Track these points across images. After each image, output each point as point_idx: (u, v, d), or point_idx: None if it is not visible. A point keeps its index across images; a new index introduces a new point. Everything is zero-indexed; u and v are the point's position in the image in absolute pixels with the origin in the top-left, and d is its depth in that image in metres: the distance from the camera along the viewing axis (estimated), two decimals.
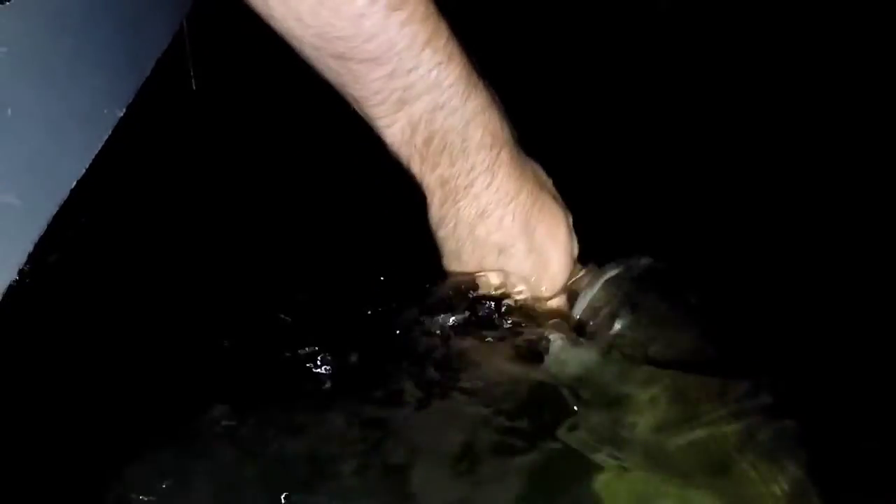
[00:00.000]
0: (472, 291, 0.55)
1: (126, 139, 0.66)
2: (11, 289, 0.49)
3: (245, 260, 0.64)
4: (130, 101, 0.69)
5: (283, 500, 0.44)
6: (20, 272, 0.50)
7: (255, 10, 0.50)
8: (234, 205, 0.71)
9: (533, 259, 0.55)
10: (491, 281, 0.55)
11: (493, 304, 0.55)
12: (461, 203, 0.53)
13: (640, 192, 0.73)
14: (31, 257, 0.52)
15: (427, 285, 0.56)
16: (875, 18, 0.89)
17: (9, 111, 0.50)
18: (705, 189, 0.73)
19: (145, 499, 0.44)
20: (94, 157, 0.61)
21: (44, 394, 0.50)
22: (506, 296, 0.55)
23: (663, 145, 0.81)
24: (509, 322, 0.55)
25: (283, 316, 0.57)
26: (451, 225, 0.54)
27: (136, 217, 0.65)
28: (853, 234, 0.67)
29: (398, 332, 0.54)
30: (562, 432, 0.48)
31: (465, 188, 0.53)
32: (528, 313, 0.56)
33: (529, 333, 0.55)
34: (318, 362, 0.52)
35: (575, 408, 0.50)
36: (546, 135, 0.61)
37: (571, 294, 0.57)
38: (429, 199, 0.54)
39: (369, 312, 0.57)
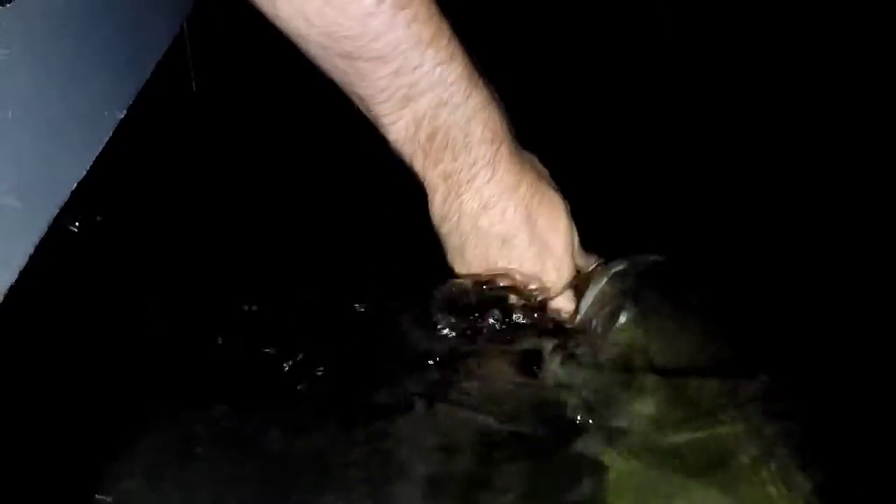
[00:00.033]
0: (475, 291, 0.55)
1: (126, 141, 0.66)
2: (12, 290, 0.49)
3: (246, 260, 0.64)
4: (131, 102, 0.69)
5: (283, 501, 0.44)
6: (21, 273, 0.50)
7: (260, 10, 0.50)
8: (234, 205, 0.71)
9: (536, 248, 0.55)
10: (496, 280, 0.55)
11: (496, 303, 0.55)
12: (464, 196, 0.54)
13: (647, 191, 0.73)
14: (32, 259, 0.52)
15: (429, 285, 0.56)
16: (875, 18, 0.89)
17: (9, 113, 0.50)
18: (711, 188, 0.74)
19: (145, 499, 0.44)
20: (94, 158, 0.61)
21: (44, 394, 0.50)
22: (510, 293, 0.55)
23: (670, 144, 0.81)
24: (513, 322, 0.55)
25: (284, 316, 0.57)
26: (455, 219, 0.55)
27: (136, 218, 0.65)
28: (855, 234, 0.67)
29: (400, 332, 0.54)
30: (564, 431, 0.49)
31: (468, 182, 0.53)
32: (533, 312, 0.56)
33: (533, 334, 0.55)
34: (319, 362, 0.52)
35: (577, 407, 0.50)
36: (553, 134, 0.61)
37: (578, 289, 0.58)
38: (431, 196, 0.55)
39: (371, 312, 0.57)
